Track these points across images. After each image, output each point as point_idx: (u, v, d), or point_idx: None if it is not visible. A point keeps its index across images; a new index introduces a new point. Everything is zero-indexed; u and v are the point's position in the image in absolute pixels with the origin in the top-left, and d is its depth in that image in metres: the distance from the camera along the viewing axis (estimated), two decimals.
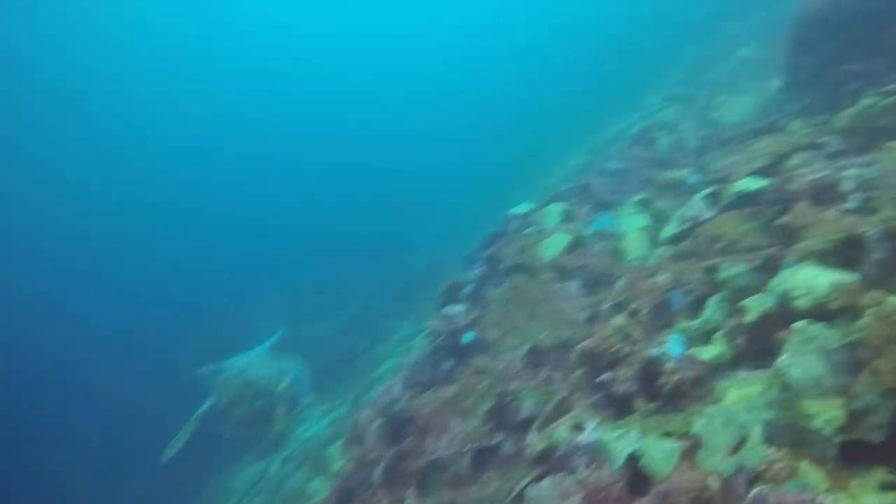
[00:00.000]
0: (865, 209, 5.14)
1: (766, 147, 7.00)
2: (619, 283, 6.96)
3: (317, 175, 42.20)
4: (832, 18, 8.39)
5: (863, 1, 8.17)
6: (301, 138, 47.21)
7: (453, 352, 8.31)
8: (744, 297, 5.25)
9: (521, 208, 9.61)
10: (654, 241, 7.53)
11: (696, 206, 6.94)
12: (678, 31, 19.69)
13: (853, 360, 3.87)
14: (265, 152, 45.83)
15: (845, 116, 7.09)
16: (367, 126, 47.45)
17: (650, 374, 5.21)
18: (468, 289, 9.17)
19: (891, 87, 6.92)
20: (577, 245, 8.15)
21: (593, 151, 14.01)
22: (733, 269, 5.59)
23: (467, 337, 8.30)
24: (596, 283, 7.65)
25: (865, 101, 7.02)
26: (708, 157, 8.96)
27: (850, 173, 5.58)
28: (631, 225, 7.93)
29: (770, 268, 5.37)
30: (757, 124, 8.79)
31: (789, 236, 5.53)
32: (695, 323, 5.67)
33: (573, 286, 7.72)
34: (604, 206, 8.69)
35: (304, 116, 49.58)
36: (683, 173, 8.51)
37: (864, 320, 3.86)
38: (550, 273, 8.06)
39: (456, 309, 8.83)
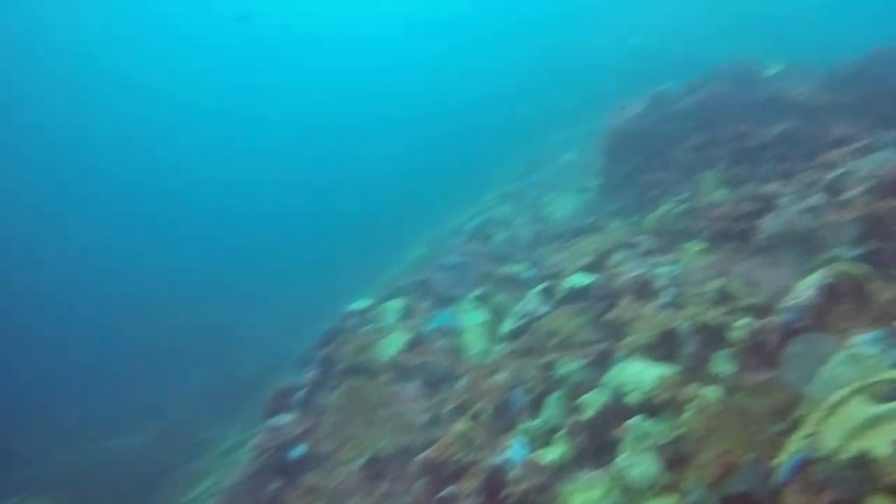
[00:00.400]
0: (676, 304, 5.80)
1: (590, 245, 7.77)
2: (461, 383, 6.92)
3: (129, 252, 37.08)
4: (635, 135, 10.03)
5: (657, 123, 9.93)
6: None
7: (281, 470, 7.44)
8: (581, 394, 5.46)
9: (359, 304, 9.38)
10: (494, 337, 7.74)
11: (532, 301, 7.32)
12: (510, 134, 22.07)
13: (681, 455, 4.10)
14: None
15: (652, 219, 8.24)
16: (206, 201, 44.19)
17: (495, 484, 5.05)
18: (300, 394, 8.45)
19: (683, 195, 8.27)
20: (417, 343, 8.05)
21: (432, 244, 14.53)
22: (570, 365, 5.86)
23: (298, 451, 7.52)
24: (437, 382, 7.54)
25: (665, 207, 8.28)
26: (540, 252, 9.71)
27: (661, 271, 6.34)
28: (470, 320, 8.10)
29: (603, 362, 5.72)
30: (581, 222, 9.82)
31: (617, 331, 6.00)
32: (536, 422, 5.73)
33: (413, 387, 7.51)
34: (444, 301, 8.84)
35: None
36: (519, 268, 9.08)
37: (687, 415, 4.16)
38: (390, 373, 7.79)
39: (285, 419, 8.05)
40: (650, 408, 4.61)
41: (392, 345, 8.16)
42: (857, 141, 7.40)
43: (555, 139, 17.85)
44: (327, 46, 50.59)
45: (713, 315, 5.16)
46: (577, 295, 6.97)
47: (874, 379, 3.50)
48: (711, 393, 4.46)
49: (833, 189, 6.11)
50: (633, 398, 4.77)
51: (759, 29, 18.76)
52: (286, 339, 16.58)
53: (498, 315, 8.10)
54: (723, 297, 5.48)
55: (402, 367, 7.85)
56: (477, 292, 8.67)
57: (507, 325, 7.49)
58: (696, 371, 4.93)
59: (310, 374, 8.58)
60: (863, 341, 3.76)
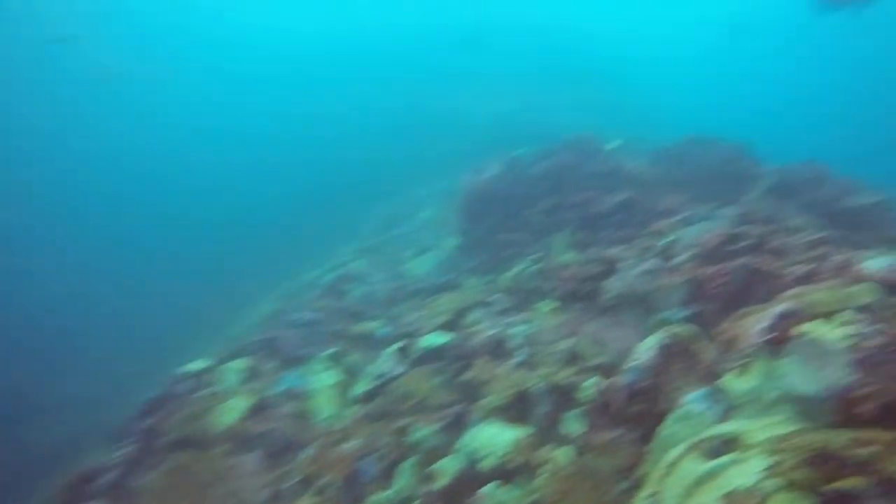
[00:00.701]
0: (530, 364, 6.00)
1: (447, 303, 7.86)
2: (307, 452, 6.43)
3: None
4: (492, 196, 10.57)
5: (512, 186, 10.56)
6: None
7: None
8: (435, 460, 5.34)
9: (195, 365, 8.45)
10: (346, 400, 7.38)
11: (387, 361, 7.16)
12: (370, 188, 22.16)
13: None
14: None
15: (506, 277, 8.61)
16: None
17: None
18: (109, 477, 7.25)
19: (536, 256, 8.80)
20: (260, 408, 7.40)
21: (284, 299, 13.79)
22: (424, 429, 5.72)
23: None
24: (281, 452, 6.93)
25: (519, 266, 8.73)
26: (397, 309, 9.62)
27: (515, 330, 6.57)
28: (321, 382, 7.67)
29: (458, 426, 5.67)
30: (439, 279, 9.97)
31: (473, 392, 6.03)
32: (388, 493, 5.46)
33: (253, 459, 6.83)
34: (293, 361, 8.29)
35: None
36: (375, 325, 8.88)
37: (540, 479, 4.21)
38: (226, 445, 7.02)
39: None
40: (504, 473, 4.61)
41: (230, 411, 7.41)
42: (680, 212, 8.49)
43: (414, 195, 18.28)
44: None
45: (564, 375, 5.39)
46: (433, 354, 6.94)
47: (703, 435, 3.82)
48: (563, 455, 4.59)
49: (665, 255, 6.86)
50: (487, 463, 4.74)
51: (601, 106, 21.29)
52: (97, 409, 14.36)
53: (351, 376, 7.76)
54: (573, 356, 5.78)
55: (242, 437, 7.13)
56: (329, 351, 8.27)
57: (361, 387, 7.20)
58: (549, 432, 5.06)
59: (125, 451, 7.44)
60: (692, 399, 4.13)
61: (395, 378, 6.92)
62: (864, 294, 4.00)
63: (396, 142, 24.65)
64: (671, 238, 7.14)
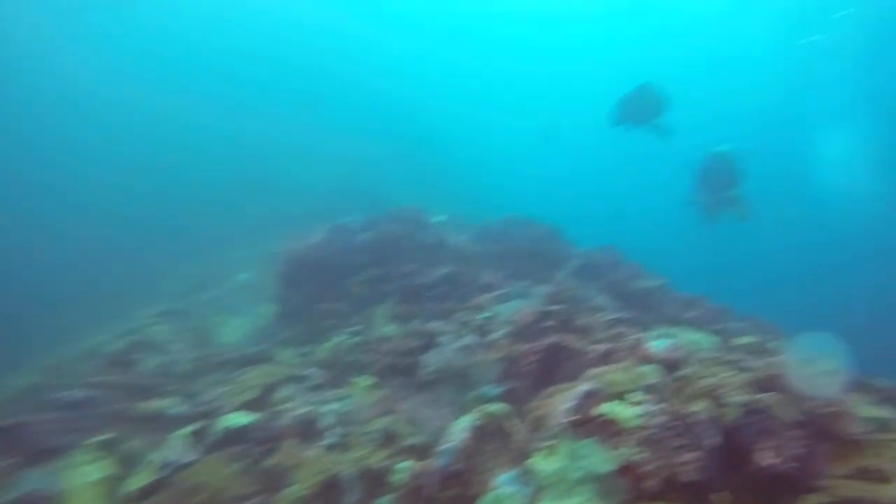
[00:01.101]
0: (342, 446, 5.67)
1: (256, 377, 7.25)
2: None
3: None
4: (314, 263, 10.26)
5: (336, 254, 10.40)
6: None
7: None
8: None
9: None
10: (116, 498, 6.24)
11: (177, 446, 6.27)
12: (179, 245, 20.31)
13: None
14: None
15: (324, 350, 8.27)
16: None
17: None
18: None
19: (356, 328, 8.62)
20: None
21: (51, 371, 11.62)
22: None
23: None
24: None
25: (337, 338, 8.45)
26: (199, 384, 8.66)
27: (329, 408, 6.22)
28: (83, 478, 6.39)
29: None
30: (250, 350, 9.24)
31: (277, 479, 5.48)
32: None
33: None
34: (45, 454, 6.81)
35: None
36: (167, 403, 7.84)
37: None
38: None
39: None
40: None
41: None
42: (498, 288, 8.99)
43: (230, 257, 17.15)
44: None
45: (377, 458, 5.17)
46: (234, 437, 6.25)
47: None
48: None
49: (482, 330, 7.12)
50: None
51: (430, 179, 22.41)
52: None
53: (127, 467, 6.59)
54: (388, 437, 5.59)
55: None
56: (102, 437, 7.00)
57: (138, 481, 6.15)
58: None
59: None
60: (503, 481, 4.17)
61: (184, 467, 6.05)
62: (651, 374, 4.45)
63: (215, 198, 23.16)
64: (489, 314, 7.47)
